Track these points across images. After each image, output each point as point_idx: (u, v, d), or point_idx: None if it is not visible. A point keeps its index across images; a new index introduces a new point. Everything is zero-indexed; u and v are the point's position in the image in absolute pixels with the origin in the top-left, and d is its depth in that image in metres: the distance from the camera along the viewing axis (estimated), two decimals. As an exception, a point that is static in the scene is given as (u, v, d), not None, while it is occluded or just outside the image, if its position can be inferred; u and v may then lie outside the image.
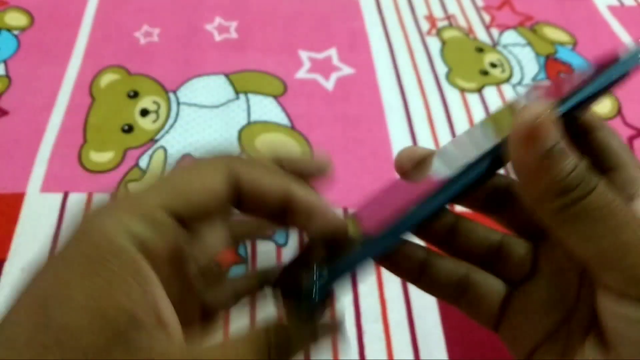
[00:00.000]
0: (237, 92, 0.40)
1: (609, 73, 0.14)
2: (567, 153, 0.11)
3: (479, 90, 0.42)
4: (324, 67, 0.42)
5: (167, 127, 0.37)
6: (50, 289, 0.10)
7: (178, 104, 0.38)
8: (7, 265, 0.29)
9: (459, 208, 0.16)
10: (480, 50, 0.45)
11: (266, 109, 0.39)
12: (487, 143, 0.13)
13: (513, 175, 0.13)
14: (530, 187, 0.12)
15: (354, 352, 0.27)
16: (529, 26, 0.48)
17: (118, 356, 0.10)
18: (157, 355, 0.10)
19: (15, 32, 0.42)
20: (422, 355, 0.27)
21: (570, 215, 0.11)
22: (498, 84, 0.43)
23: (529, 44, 0.46)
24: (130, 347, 0.10)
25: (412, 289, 0.30)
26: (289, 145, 0.37)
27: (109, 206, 0.11)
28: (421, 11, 0.49)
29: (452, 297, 0.16)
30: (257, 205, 0.13)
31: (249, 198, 0.13)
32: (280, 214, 0.13)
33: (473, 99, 0.41)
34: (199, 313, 0.14)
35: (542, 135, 0.11)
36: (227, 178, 0.13)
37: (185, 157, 0.35)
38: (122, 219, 0.11)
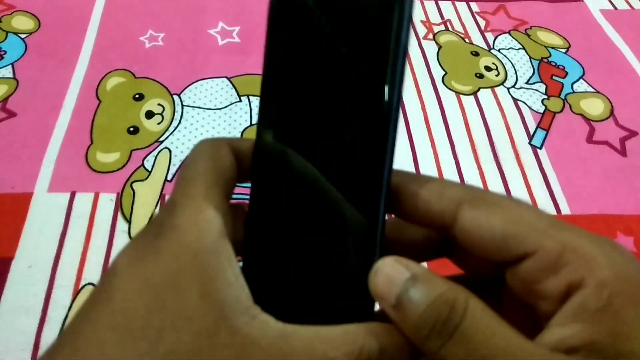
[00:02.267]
0: (239, 95, 0.41)
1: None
2: (414, 297, 0.11)
3: (475, 93, 0.43)
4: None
5: (171, 128, 0.38)
6: (159, 277, 0.11)
7: (182, 106, 0.39)
8: (15, 263, 0.30)
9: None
10: (476, 54, 0.46)
11: (268, 111, 0.40)
12: None
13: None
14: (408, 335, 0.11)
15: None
16: (523, 30, 0.49)
17: (224, 338, 0.10)
18: (258, 337, 0.10)
19: (23, 36, 0.43)
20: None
21: (445, 356, 0.10)
22: (493, 86, 0.44)
23: (523, 47, 0.47)
24: (235, 329, 0.10)
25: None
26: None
27: (185, 195, 0.12)
28: (418, 16, 0.50)
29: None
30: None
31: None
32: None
33: (468, 101, 0.42)
34: None
35: (383, 292, 0.11)
36: (229, 149, 0.14)
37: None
38: (204, 212, 0.12)
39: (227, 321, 0.11)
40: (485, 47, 0.47)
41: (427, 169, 0.37)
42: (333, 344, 0.11)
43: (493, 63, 0.46)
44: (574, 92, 0.44)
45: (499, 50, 0.47)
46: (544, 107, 0.43)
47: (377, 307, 0.12)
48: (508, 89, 0.44)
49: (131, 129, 0.37)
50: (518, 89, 0.44)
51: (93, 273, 0.30)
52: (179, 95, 0.40)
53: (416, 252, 0.14)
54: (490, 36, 0.48)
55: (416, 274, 0.11)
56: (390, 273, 0.11)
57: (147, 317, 0.11)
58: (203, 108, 0.39)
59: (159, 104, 0.39)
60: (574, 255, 0.11)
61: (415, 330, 0.11)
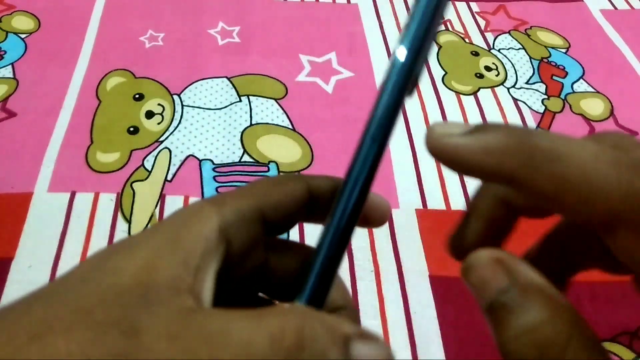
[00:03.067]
0: (239, 95, 0.41)
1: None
2: (515, 308, 0.09)
3: (474, 93, 0.43)
4: (324, 71, 0.43)
5: (171, 128, 0.38)
6: (119, 245, 0.11)
7: (182, 106, 0.39)
8: (15, 264, 0.30)
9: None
10: (476, 54, 0.46)
11: (268, 111, 0.40)
12: None
13: None
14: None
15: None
16: (523, 30, 0.49)
17: (146, 317, 0.09)
18: (176, 313, 0.09)
19: (23, 36, 0.43)
20: (419, 352, 0.28)
21: None
22: (493, 86, 0.44)
23: (523, 47, 0.47)
24: (155, 305, 0.10)
25: (410, 288, 0.30)
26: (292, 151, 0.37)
27: (216, 197, 0.12)
28: (418, 16, 0.50)
29: None
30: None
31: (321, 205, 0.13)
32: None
33: (468, 101, 0.42)
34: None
35: (482, 287, 0.10)
36: (306, 187, 0.13)
37: (189, 158, 0.36)
38: (220, 207, 0.12)
39: (151, 297, 0.10)
40: (485, 47, 0.47)
41: (427, 169, 0.37)
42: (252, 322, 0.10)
43: (493, 63, 0.46)
44: (574, 92, 0.44)
45: (499, 50, 0.47)
46: (544, 107, 0.43)
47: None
48: (508, 89, 0.44)
49: (131, 129, 0.37)
50: (518, 89, 0.44)
51: (93, 273, 0.30)
52: (179, 95, 0.40)
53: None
54: (490, 36, 0.48)
55: (517, 282, 0.09)
56: (485, 275, 0.10)
57: (79, 292, 0.10)
58: (203, 108, 0.39)
59: (159, 104, 0.39)
60: None
61: (505, 343, 0.09)
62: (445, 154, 0.11)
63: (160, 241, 0.11)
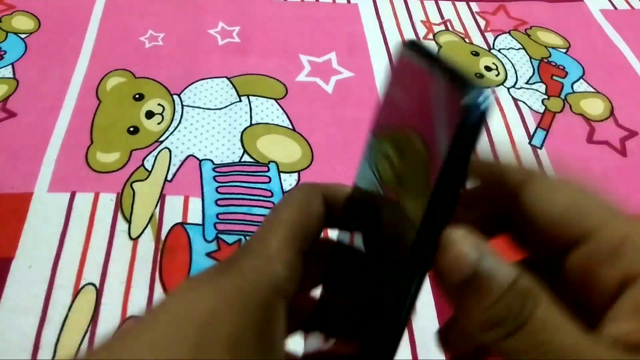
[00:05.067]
0: (239, 95, 0.41)
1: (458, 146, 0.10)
2: (490, 276, 0.10)
3: (475, 93, 0.43)
4: (323, 71, 0.43)
5: (171, 128, 0.38)
6: (199, 311, 0.11)
7: (182, 106, 0.39)
8: (15, 263, 0.30)
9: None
10: (476, 54, 0.46)
11: (268, 111, 0.40)
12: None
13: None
14: (461, 319, 0.11)
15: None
16: (523, 30, 0.49)
17: None
18: None
19: (23, 36, 0.43)
20: (419, 352, 0.28)
21: (508, 348, 0.10)
22: (493, 86, 0.44)
23: (523, 47, 0.47)
24: None
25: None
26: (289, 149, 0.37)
27: (262, 241, 0.12)
28: (418, 16, 0.50)
29: None
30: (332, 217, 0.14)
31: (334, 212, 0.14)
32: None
33: (469, 101, 0.42)
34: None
35: (451, 269, 0.10)
36: (322, 199, 0.14)
37: (189, 158, 0.36)
38: (271, 264, 0.12)
39: None
40: (485, 47, 0.47)
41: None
42: None
43: (493, 63, 0.46)
44: (574, 92, 0.44)
45: (499, 50, 0.47)
46: (544, 107, 0.43)
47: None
48: (508, 89, 0.44)
49: (131, 129, 0.37)
50: (518, 89, 0.44)
51: (93, 273, 0.30)
52: (179, 95, 0.40)
53: (477, 228, 0.13)
54: (490, 36, 0.48)
55: (488, 256, 0.10)
56: (462, 250, 0.10)
57: (175, 348, 0.11)
58: (203, 108, 0.39)
59: (159, 104, 0.39)
60: (633, 248, 0.11)
61: (482, 318, 0.10)
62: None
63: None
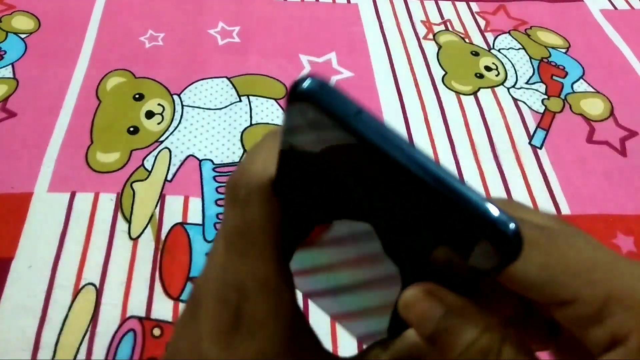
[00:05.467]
0: (239, 95, 0.41)
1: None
2: (453, 334, 0.10)
3: (475, 93, 0.43)
4: (323, 71, 0.43)
5: (171, 128, 0.38)
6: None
7: (182, 106, 0.39)
8: (15, 263, 0.30)
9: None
10: (476, 54, 0.46)
11: (268, 111, 0.40)
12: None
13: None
14: None
15: (352, 350, 0.28)
16: (523, 30, 0.49)
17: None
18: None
19: (23, 36, 0.43)
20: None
21: None
22: (493, 86, 0.44)
23: (523, 47, 0.47)
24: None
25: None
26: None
27: (252, 271, 0.12)
28: (418, 16, 0.50)
29: None
30: None
31: None
32: None
33: (468, 101, 0.42)
34: None
35: (417, 326, 0.11)
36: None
37: (189, 158, 0.36)
38: (279, 295, 0.12)
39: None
40: (485, 47, 0.47)
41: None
42: None
43: (493, 63, 0.46)
44: (574, 92, 0.44)
45: (499, 50, 0.47)
46: (544, 107, 0.43)
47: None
48: (508, 89, 0.44)
49: (131, 129, 0.37)
50: (518, 89, 0.44)
51: (93, 273, 0.30)
52: (179, 95, 0.40)
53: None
54: (490, 36, 0.48)
55: (451, 308, 0.11)
56: (423, 309, 0.11)
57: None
58: (203, 108, 0.39)
59: (159, 104, 0.39)
60: (619, 307, 0.10)
61: None
62: None
63: None
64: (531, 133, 0.40)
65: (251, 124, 0.39)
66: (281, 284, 0.12)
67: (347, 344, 0.28)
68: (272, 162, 0.11)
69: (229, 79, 0.42)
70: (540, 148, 0.39)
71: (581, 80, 0.45)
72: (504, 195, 0.36)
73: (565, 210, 0.36)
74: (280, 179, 0.11)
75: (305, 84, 0.10)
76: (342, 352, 0.28)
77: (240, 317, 0.11)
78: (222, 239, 0.12)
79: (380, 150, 0.09)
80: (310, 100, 0.10)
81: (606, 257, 0.11)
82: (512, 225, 0.09)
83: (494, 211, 0.09)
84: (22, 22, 0.44)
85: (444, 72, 0.44)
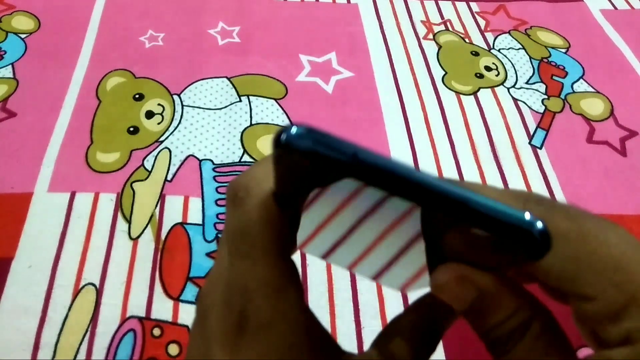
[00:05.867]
0: (239, 95, 0.41)
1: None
2: (489, 309, 0.11)
3: (475, 92, 0.43)
4: (323, 71, 0.43)
5: (171, 128, 0.38)
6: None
7: (182, 106, 0.39)
8: (15, 263, 0.30)
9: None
10: (476, 54, 0.46)
11: (268, 111, 0.40)
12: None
13: None
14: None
15: (352, 347, 0.28)
16: (523, 30, 0.49)
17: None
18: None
19: (23, 36, 0.43)
20: (419, 349, 0.28)
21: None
22: (493, 86, 0.44)
23: (523, 47, 0.47)
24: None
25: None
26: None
27: (256, 276, 0.12)
28: (418, 16, 0.50)
29: None
30: None
31: None
32: None
33: (468, 101, 0.42)
34: None
35: (456, 300, 0.11)
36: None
37: (189, 158, 0.36)
38: (286, 300, 0.12)
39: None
40: (485, 47, 0.47)
41: (427, 169, 0.37)
42: None
43: (493, 63, 0.46)
44: (574, 92, 0.44)
45: (499, 50, 0.47)
46: (544, 107, 0.43)
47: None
48: (508, 89, 0.44)
49: (131, 129, 0.37)
50: (518, 89, 0.44)
51: (93, 273, 0.30)
52: (179, 95, 0.40)
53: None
54: (490, 36, 0.48)
55: (483, 291, 0.11)
56: (456, 292, 0.11)
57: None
58: (203, 108, 0.39)
59: (159, 104, 0.39)
60: (638, 311, 0.10)
61: (488, 332, 0.11)
62: None
63: None
64: (531, 133, 0.40)
65: (251, 124, 0.39)
66: (285, 284, 0.12)
67: (347, 340, 0.28)
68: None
69: (229, 79, 0.42)
70: (540, 148, 0.39)
71: (581, 80, 0.45)
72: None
73: (565, 210, 0.36)
74: (280, 193, 0.11)
75: (294, 133, 0.09)
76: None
77: (245, 320, 0.11)
78: (224, 242, 0.12)
79: (399, 188, 0.09)
80: (305, 152, 0.09)
81: (635, 255, 0.11)
82: (539, 225, 0.09)
83: (519, 215, 0.09)
84: (22, 22, 0.44)
85: (444, 72, 0.44)
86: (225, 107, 0.40)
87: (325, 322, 0.29)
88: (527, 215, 0.10)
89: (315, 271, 0.31)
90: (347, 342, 0.28)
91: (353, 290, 0.30)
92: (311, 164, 0.09)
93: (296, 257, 0.34)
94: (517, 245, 0.10)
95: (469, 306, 0.11)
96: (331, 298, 0.30)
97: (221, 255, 0.12)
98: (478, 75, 0.44)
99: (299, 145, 0.09)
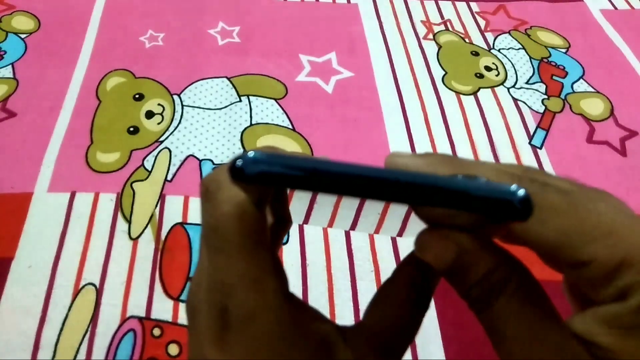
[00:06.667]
0: (239, 95, 0.41)
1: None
2: (465, 270, 0.12)
3: (475, 92, 0.43)
4: (323, 71, 0.43)
5: (171, 128, 0.38)
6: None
7: (182, 106, 0.39)
8: (15, 263, 0.30)
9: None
10: (476, 54, 0.46)
11: (268, 111, 0.40)
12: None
13: None
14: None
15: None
16: (523, 30, 0.49)
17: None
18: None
19: (23, 36, 0.43)
20: (419, 352, 0.28)
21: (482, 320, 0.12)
22: (493, 86, 0.44)
23: (523, 47, 0.47)
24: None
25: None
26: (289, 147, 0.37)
27: (238, 273, 0.12)
28: (418, 16, 0.50)
29: None
30: None
31: None
32: None
33: (468, 101, 0.42)
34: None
35: (438, 259, 0.12)
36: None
37: (189, 158, 0.36)
38: (265, 286, 0.12)
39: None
40: (485, 47, 0.47)
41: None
42: None
43: (493, 63, 0.46)
44: (574, 92, 0.44)
45: (499, 50, 0.47)
46: (544, 107, 0.43)
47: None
48: (508, 89, 0.44)
49: (131, 129, 0.37)
50: (518, 89, 0.44)
51: (93, 273, 0.30)
52: (179, 95, 0.40)
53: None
54: (490, 36, 0.48)
55: (464, 249, 0.12)
56: (438, 250, 0.12)
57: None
58: (203, 108, 0.39)
59: (159, 104, 0.39)
60: (631, 268, 0.11)
61: (468, 291, 0.12)
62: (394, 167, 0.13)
63: None
64: (531, 133, 0.40)
65: (251, 124, 0.39)
66: (263, 275, 0.11)
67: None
68: None
69: (229, 79, 0.42)
70: (540, 148, 0.39)
71: (581, 80, 0.45)
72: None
73: (565, 210, 0.36)
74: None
75: (247, 162, 0.10)
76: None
77: (228, 315, 0.11)
78: (200, 237, 0.12)
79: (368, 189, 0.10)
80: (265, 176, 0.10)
81: (625, 221, 0.11)
82: (521, 192, 0.10)
83: (490, 186, 0.10)
84: (22, 22, 0.44)
85: (444, 72, 0.44)
86: (225, 107, 0.40)
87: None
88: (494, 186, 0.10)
89: (315, 271, 0.31)
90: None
91: (353, 290, 0.30)
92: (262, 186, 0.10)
93: (296, 258, 0.34)
94: (496, 214, 0.10)
95: (449, 266, 0.12)
96: (331, 298, 0.30)
97: (201, 253, 0.12)
98: (478, 75, 0.44)
99: (249, 172, 0.10)
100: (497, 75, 0.45)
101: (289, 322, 0.12)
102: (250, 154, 0.10)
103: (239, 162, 0.10)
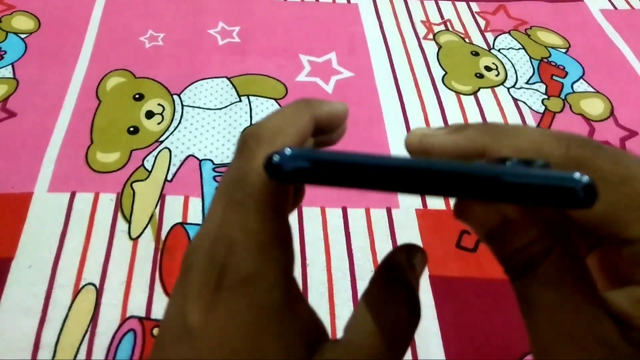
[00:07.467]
0: (239, 95, 0.41)
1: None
2: (510, 237, 0.11)
3: (475, 93, 0.43)
4: (323, 71, 0.43)
5: (171, 128, 0.38)
6: (237, 337, 0.11)
7: (182, 106, 0.39)
8: (15, 263, 0.30)
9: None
10: (476, 54, 0.46)
11: (268, 111, 0.40)
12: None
13: None
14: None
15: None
16: (523, 30, 0.49)
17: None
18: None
19: (23, 36, 0.43)
20: (419, 352, 0.28)
21: (519, 289, 0.11)
22: (493, 86, 0.44)
23: (523, 47, 0.47)
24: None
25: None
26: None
27: (243, 229, 0.11)
28: (418, 16, 0.50)
29: None
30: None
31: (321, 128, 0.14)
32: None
33: (468, 101, 0.42)
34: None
35: (474, 227, 0.12)
36: (311, 118, 0.14)
37: (189, 158, 0.36)
38: (267, 258, 0.11)
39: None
40: (485, 47, 0.47)
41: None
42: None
43: (493, 63, 0.46)
44: (574, 92, 0.44)
45: (499, 50, 0.47)
46: (544, 107, 0.43)
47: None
48: (508, 89, 0.44)
49: (131, 129, 0.37)
50: (518, 89, 0.44)
51: (93, 273, 0.30)
52: (179, 95, 0.40)
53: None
54: (490, 36, 0.48)
55: (507, 217, 0.11)
56: (480, 214, 0.12)
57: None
58: (203, 108, 0.39)
59: (159, 104, 0.39)
60: None
61: (502, 260, 0.12)
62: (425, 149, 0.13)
63: None
64: (531, 133, 0.40)
65: (251, 124, 0.39)
66: (274, 240, 0.11)
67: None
68: (289, 126, 0.12)
69: (229, 79, 0.42)
70: (540, 148, 0.39)
71: (581, 80, 0.45)
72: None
73: (565, 210, 0.36)
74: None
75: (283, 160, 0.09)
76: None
77: (224, 273, 0.11)
78: (217, 190, 0.12)
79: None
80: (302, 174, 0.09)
81: None
82: (585, 179, 0.09)
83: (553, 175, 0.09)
84: (22, 22, 0.44)
85: (444, 72, 0.44)
86: (225, 107, 0.40)
87: (326, 322, 0.29)
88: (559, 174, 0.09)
89: (315, 271, 0.31)
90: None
91: (353, 290, 0.30)
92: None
93: (296, 258, 0.34)
94: (557, 203, 0.09)
95: (491, 230, 0.11)
96: (331, 298, 0.30)
97: (212, 211, 0.12)
98: (478, 75, 0.44)
99: (290, 167, 0.09)
100: (497, 75, 0.45)
101: (281, 303, 0.11)
102: (287, 150, 0.09)
103: (276, 158, 0.09)
